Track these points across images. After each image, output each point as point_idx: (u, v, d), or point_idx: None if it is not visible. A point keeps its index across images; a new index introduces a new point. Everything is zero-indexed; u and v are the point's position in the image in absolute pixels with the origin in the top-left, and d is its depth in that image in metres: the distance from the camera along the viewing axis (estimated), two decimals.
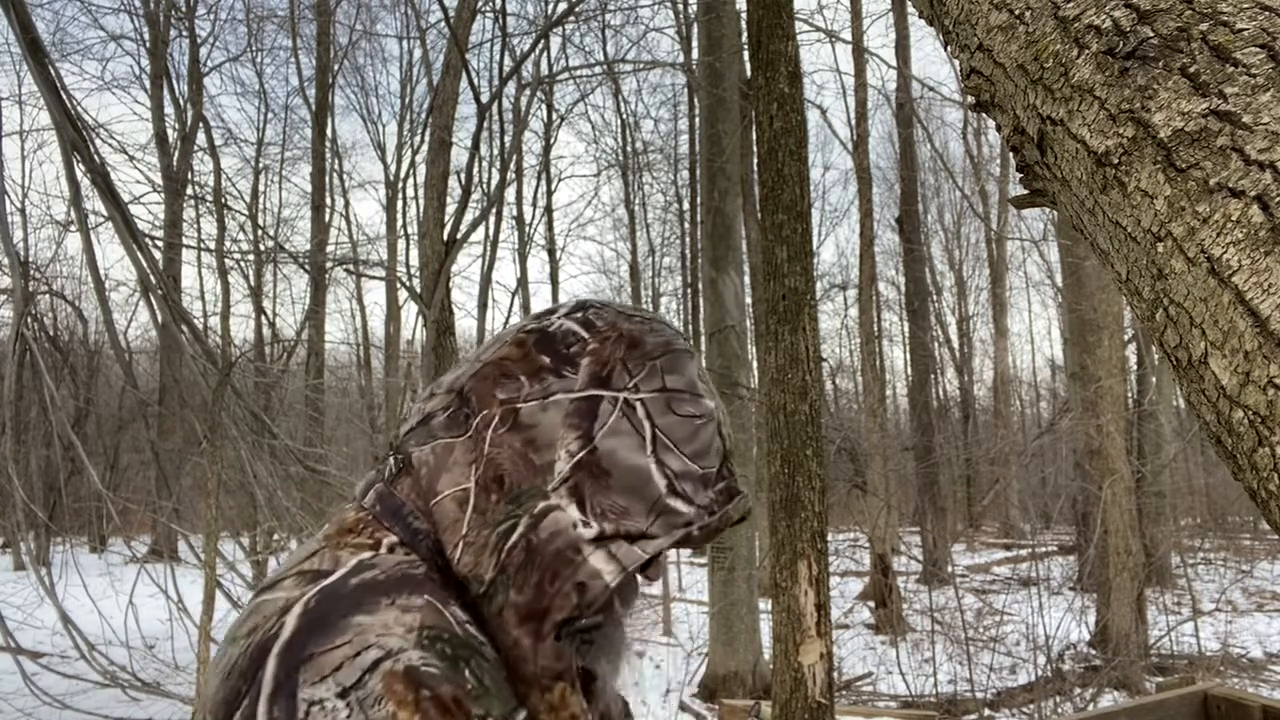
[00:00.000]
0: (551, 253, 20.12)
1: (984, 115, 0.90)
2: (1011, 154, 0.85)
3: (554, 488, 0.63)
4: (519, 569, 0.61)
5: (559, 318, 0.72)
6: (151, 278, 4.78)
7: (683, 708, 7.36)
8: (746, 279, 10.87)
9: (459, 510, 0.63)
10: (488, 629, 0.61)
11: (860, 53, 12.20)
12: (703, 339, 8.68)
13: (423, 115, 16.69)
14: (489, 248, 11.79)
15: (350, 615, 0.55)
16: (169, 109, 15.41)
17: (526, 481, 0.63)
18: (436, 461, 0.66)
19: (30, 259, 10.71)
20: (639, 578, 0.71)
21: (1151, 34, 0.66)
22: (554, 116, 16.59)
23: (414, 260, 15.30)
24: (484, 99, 8.10)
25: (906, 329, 18.03)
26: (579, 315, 0.72)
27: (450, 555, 0.63)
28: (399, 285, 15.44)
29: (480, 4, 8.69)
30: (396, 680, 0.52)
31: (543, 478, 0.63)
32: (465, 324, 23.77)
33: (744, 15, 7.47)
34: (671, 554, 0.81)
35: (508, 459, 0.64)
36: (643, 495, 0.65)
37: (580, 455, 0.64)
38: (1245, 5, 0.63)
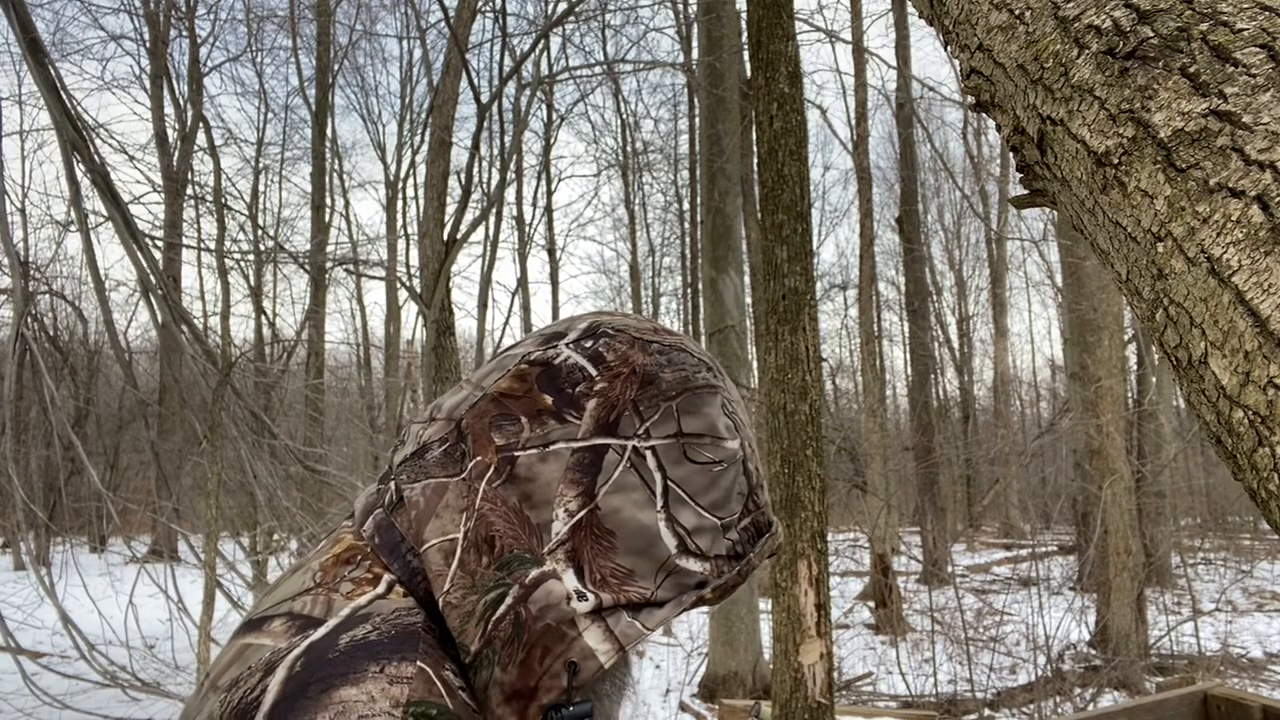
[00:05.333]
0: (551, 253, 20.15)
1: (984, 115, 0.90)
2: (1011, 154, 0.85)
3: (550, 551, 0.58)
4: (505, 644, 0.56)
5: (568, 346, 0.66)
6: (151, 278, 4.78)
7: (683, 708, 7.36)
8: (746, 279, 10.88)
9: (444, 564, 0.58)
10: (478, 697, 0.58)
11: (860, 53, 12.21)
12: (703, 339, 8.68)
13: (423, 115, 16.71)
14: (489, 248, 11.81)
15: (335, 687, 0.50)
16: (169, 109, 15.44)
17: (520, 544, 0.58)
18: (427, 504, 0.61)
19: (30, 259, 10.72)
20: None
21: (1151, 34, 0.66)
22: (554, 116, 16.61)
23: (414, 260, 15.32)
24: (484, 99, 8.10)
25: (906, 329, 18.05)
26: (589, 346, 0.65)
27: (440, 609, 0.58)
28: (399, 285, 15.44)
29: (480, 4, 8.69)
30: None
31: (539, 539, 0.58)
32: (465, 324, 23.78)
33: (744, 15, 7.47)
34: None
35: (501, 517, 0.59)
36: (650, 556, 0.60)
37: (580, 515, 0.59)
38: (1245, 5, 0.63)
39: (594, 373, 0.63)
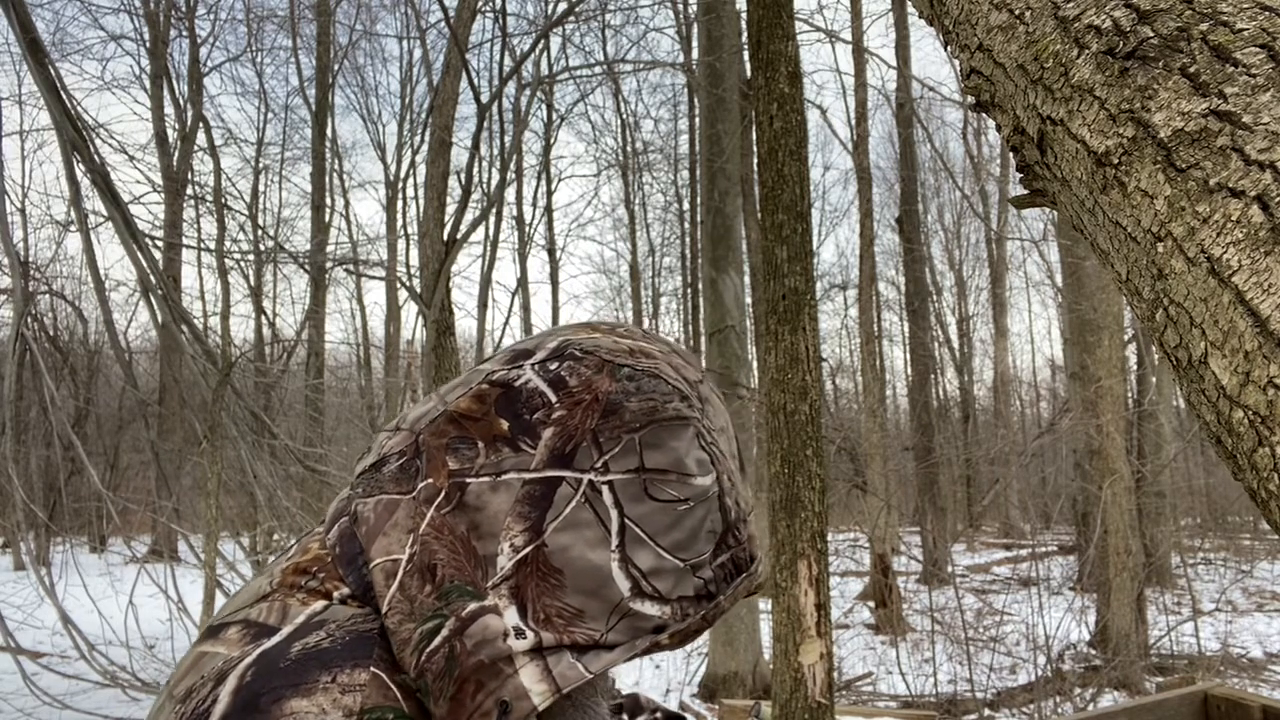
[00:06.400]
0: (551, 253, 20.17)
1: (984, 115, 0.90)
2: (1011, 154, 0.85)
3: (493, 585, 0.55)
4: (437, 678, 0.53)
5: (532, 368, 0.62)
6: (151, 278, 4.78)
7: (683, 708, 7.36)
8: (746, 279, 10.88)
9: (385, 584, 0.57)
10: None
11: (860, 53, 12.21)
12: (703, 339, 8.68)
13: (423, 115, 16.71)
14: (489, 248, 11.80)
15: (285, 698, 0.49)
16: (169, 109, 15.44)
17: (463, 575, 0.55)
18: (376, 520, 0.59)
19: (30, 259, 10.73)
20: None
21: (1151, 34, 0.66)
22: (554, 116, 16.61)
23: (414, 260, 15.33)
24: (484, 99, 8.09)
25: (906, 329, 18.05)
26: (553, 369, 0.62)
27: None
28: (399, 285, 15.45)
29: (480, 4, 8.69)
30: None
31: (483, 571, 0.56)
32: (465, 324, 23.78)
33: (744, 15, 7.47)
34: None
35: (446, 546, 0.56)
36: (601, 597, 0.56)
37: (525, 551, 0.56)
38: (1245, 5, 0.63)
39: (553, 399, 0.60)
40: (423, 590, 0.56)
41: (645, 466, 0.59)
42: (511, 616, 0.55)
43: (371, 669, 0.53)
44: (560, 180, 20.64)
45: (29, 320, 4.94)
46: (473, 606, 0.55)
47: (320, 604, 0.57)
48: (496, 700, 0.53)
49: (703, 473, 0.61)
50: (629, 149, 18.68)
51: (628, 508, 0.58)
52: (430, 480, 0.59)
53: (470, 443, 0.60)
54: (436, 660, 0.53)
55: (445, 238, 7.46)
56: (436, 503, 0.58)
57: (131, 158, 7.92)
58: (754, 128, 3.41)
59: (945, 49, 0.98)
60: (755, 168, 3.90)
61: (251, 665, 0.52)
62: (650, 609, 0.58)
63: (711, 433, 0.64)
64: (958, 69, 0.98)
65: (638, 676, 8.46)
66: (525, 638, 0.54)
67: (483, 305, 10.73)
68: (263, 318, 17.11)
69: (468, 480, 0.58)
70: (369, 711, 0.51)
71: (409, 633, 0.55)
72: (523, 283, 18.56)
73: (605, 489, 0.58)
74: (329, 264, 15.30)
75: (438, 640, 0.54)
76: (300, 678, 0.51)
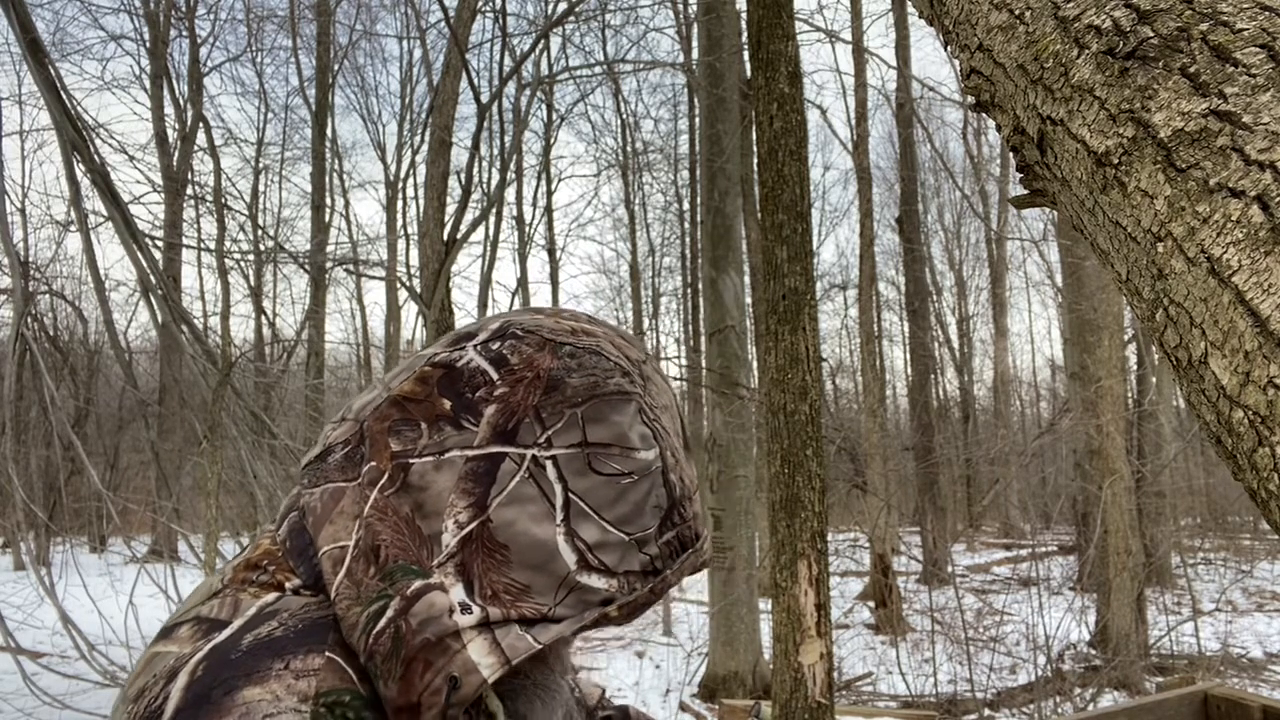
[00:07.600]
0: (551, 253, 20.15)
1: (984, 115, 0.90)
2: (1011, 154, 0.85)
3: (439, 563, 0.55)
4: (385, 659, 0.53)
5: (474, 348, 0.63)
6: (151, 278, 4.77)
7: (683, 708, 7.36)
8: (746, 279, 10.87)
9: (333, 571, 0.56)
10: None
11: (860, 53, 12.21)
12: (703, 339, 8.68)
13: (423, 115, 16.70)
14: (489, 248, 11.79)
15: (238, 689, 0.49)
16: (169, 109, 15.44)
17: (407, 555, 0.55)
18: (323, 509, 0.59)
19: (30, 259, 10.73)
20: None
21: (1151, 34, 0.66)
22: (554, 116, 16.59)
23: (414, 260, 15.33)
24: (484, 99, 8.09)
25: (906, 329, 18.04)
26: (494, 348, 0.62)
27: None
28: (399, 285, 15.45)
29: (480, 4, 8.69)
30: None
31: (428, 550, 0.55)
32: (465, 324, 23.73)
33: (744, 15, 7.47)
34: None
35: (390, 527, 0.56)
36: (548, 571, 0.56)
37: (470, 527, 0.56)
38: (1245, 5, 0.63)
39: (495, 377, 0.60)
40: (368, 573, 0.55)
41: (588, 441, 0.59)
42: (458, 593, 0.54)
43: (326, 653, 0.52)
44: (560, 180, 20.63)
45: (29, 320, 4.94)
46: (417, 584, 0.54)
47: (272, 596, 0.57)
48: (446, 677, 0.53)
49: (646, 447, 0.61)
50: (629, 149, 18.67)
51: (572, 482, 0.58)
52: (374, 464, 0.59)
53: (413, 424, 0.59)
54: (384, 641, 0.53)
55: (445, 238, 7.46)
56: (380, 485, 0.58)
57: (131, 158, 7.93)
58: (754, 128, 3.41)
59: (945, 49, 0.98)
60: (755, 168, 3.90)
61: (203, 660, 0.51)
62: (597, 582, 0.58)
63: (654, 410, 0.64)
64: (958, 69, 0.98)
65: (638, 676, 8.46)
66: (471, 613, 0.54)
67: (483, 305, 10.72)
68: (263, 318, 17.13)
69: (411, 460, 0.58)
70: (324, 695, 0.50)
71: (356, 616, 0.54)
72: (523, 283, 18.55)
73: (549, 464, 0.58)
74: (329, 264, 15.30)
75: (383, 621, 0.53)
76: (252, 667, 0.50)
